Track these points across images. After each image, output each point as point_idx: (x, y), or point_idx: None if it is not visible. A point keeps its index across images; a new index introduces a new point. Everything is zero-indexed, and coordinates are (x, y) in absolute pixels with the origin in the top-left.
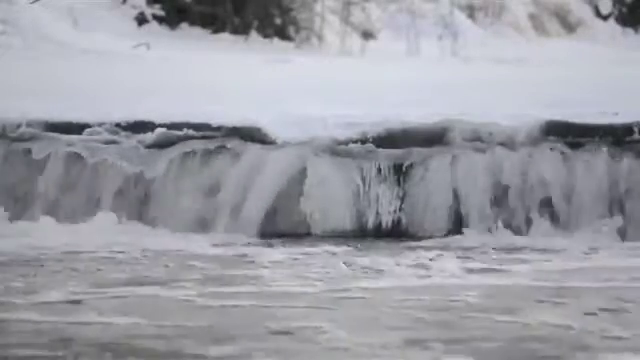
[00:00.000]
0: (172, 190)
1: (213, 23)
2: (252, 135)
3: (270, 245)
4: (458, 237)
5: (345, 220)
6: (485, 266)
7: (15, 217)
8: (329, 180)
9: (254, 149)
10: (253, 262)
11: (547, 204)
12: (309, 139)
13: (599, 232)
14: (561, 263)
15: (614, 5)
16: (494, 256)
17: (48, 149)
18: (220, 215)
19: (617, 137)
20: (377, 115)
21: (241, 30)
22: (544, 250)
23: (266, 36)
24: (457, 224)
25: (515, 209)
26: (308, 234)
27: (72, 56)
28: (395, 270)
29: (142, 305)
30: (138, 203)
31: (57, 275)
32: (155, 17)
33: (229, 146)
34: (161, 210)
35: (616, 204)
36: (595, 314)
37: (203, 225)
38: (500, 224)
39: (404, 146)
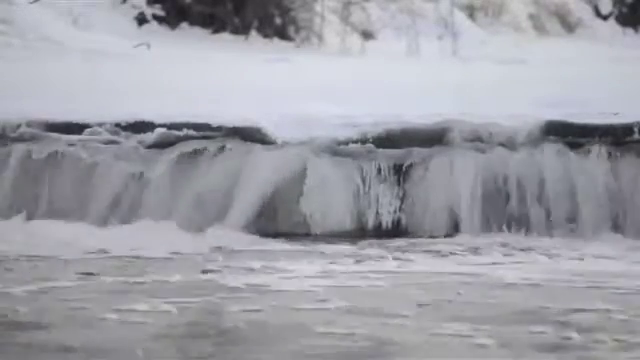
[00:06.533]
0: (172, 190)
1: (213, 23)
2: (252, 135)
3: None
4: (457, 237)
5: (345, 220)
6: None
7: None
8: (329, 180)
9: (254, 149)
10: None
11: (547, 204)
12: (309, 139)
13: (598, 231)
14: (560, 263)
15: (614, 5)
16: (493, 256)
17: (48, 149)
18: (220, 215)
19: (617, 137)
20: (377, 115)
21: (241, 30)
22: (543, 250)
23: (266, 36)
24: (457, 224)
25: (515, 209)
26: (308, 234)
27: (72, 56)
28: None
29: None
30: (138, 203)
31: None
32: (155, 17)
33: (229, 146)
34: (160, 210)
35: (616, 204)
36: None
37: (202, 225)
38: (500, 224)
39: (404, 146)
